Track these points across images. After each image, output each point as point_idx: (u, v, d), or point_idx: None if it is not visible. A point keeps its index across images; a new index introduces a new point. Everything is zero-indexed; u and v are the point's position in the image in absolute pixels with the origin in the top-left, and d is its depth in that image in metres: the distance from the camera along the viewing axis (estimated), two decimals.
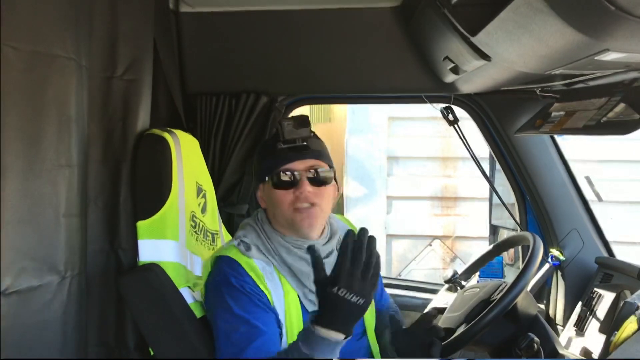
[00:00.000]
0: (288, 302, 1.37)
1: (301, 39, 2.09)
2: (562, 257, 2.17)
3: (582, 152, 4.38)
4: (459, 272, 1.98)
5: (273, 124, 2.13)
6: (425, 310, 1.89)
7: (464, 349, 1.53)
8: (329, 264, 1.43)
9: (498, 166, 2.32)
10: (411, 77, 2.07)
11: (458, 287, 1.93)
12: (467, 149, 2.25)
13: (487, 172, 2.40)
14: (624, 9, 0.86)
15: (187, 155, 1.62)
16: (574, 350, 1.83)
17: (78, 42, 1.26)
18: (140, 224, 1.49)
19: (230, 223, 2.12)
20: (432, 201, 5.25)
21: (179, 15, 2.07)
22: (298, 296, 1.38)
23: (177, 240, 1.52)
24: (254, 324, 1.30)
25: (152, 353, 1.47)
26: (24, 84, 1.12)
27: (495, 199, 2.37)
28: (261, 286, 1.34)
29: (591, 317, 1.89)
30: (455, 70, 1.72)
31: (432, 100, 2.22)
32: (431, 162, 5.22)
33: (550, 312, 2.22)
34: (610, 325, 1.66)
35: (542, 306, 2.22)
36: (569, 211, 2.18)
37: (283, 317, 1.36)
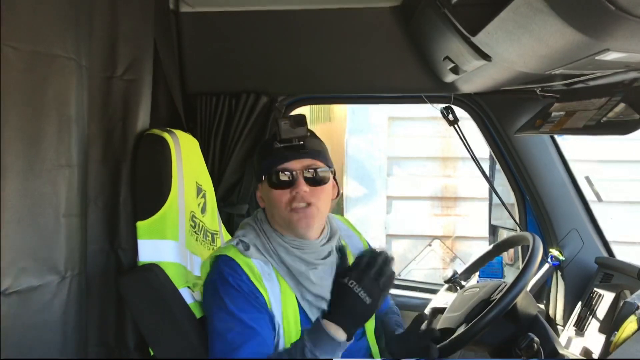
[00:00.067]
0: (285, 302, 1.37)
1: (301, 39, 2.09)
2: (562, 257, 2.17)
3: (582, 152, 4.38)
4: (459, 272, 1.98)
5: (273, 124, 2.13)
6: (425, 310, 1.89)
7: (464, 349, 1.53)
8: (328, 265, 1.43)
9: (498, 166, 2.32)
10: (411, 77, 2.07)
11: (458, 287, 1.93)
12: (467, 149, 2.25)
13: (487, 172, 2.40)
14: (624, 9, 0.86)
15: (187, 155, 1.62)
16: (574, 350, 1.83)
17: (78, 42, 1.26)
18: (140, 224, 1.49)
19: (230, 223, 2.12)
20: (432, 201, 5.24)
21: (179, 15, 2.07)
22: (296, 297, 1.38)
23: (177, 240, 1.52)
24: (249, 324, 1.30)
25: (152, 353, 1.47)
26: (24, 84, 1.13)
27: (495, 199, 2.37)
28: (258, 286, 1.34)
29: (591, 317, 1.89)
30: (455, 70, 1.72)
31: (432, 100, 2.22)
32: (431, 162, 5.22)
33: (550, 312, 2.22)
34: (610, 325, 1.66)
35: (542, 306, 2.22)
36: (569, 211, 2.18)
37: (280, 317, 1.36)
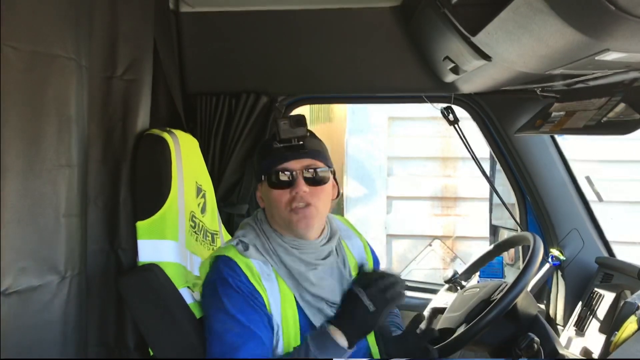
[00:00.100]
0: (284, 303, 1.37)
1: (301, 39, 2.09)
2: (562, 257, 2.17)
3: (582, 152, 4.38)
4: (459, 272, 1.98)
5: (273, 124, 2.13)
6: (425, 311, 1.89)
7: (464, 349, 1.53)
8: (327, 265, 1.43)
9: (498, 166, 2.32)
10: (411, 77, 2.07)
11: (458, 287, 1.93)
12: (467, 149, 2.25)
13: (487, 172, 2.40)
14: (624, 9, 0.86)
15: (186, 156, 1.62)
16: (574, 350, 1.83)
17: (78, 42, 1.26)
18: (140, 224, 1.48)
19: (230, 223, 2.12)
20: (432, 201, 5.24)
21: (179, 15, 2.07)
22: (295, 297, 1.38)
23: (177, 240, 1.52)
24: (247, 326, 1.30)
25: (151, 353, 1.47)
26: (24, 84, 1.12)
27: (496, 199, 2.37)
28: (258, 287, 1.34)
29: (591, 317, 1.89)
30: (456, 70, 1.72)
31: (433, 100, 2.22)
32: (431, 162, 5.22)
33: (551, 312, 2.22)
34: (611, 325, 1.66)
35: (542, 306, 2.22)
36: (569, 211, 2.18)
37: (279, 318, 1.36)
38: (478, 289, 1.70)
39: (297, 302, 1.38)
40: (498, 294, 1.58)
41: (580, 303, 2.02)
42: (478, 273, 2.09)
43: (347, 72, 2.10)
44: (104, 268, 1.49)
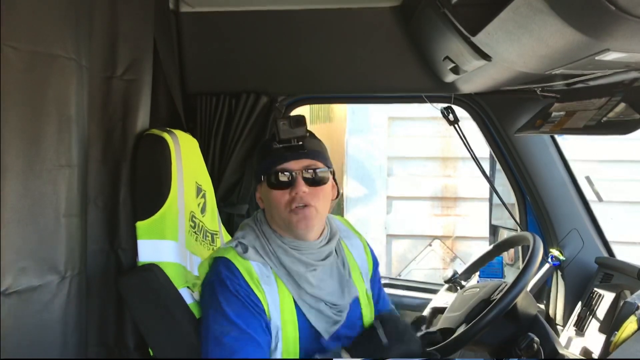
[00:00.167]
0: (283, 305, 1.36)
1: (301, 39, 2.09)
2: (562, 257, 2.17)
3: (582, 152, 4.38)
4: (459, 272, 1.99)
5: (273, 125, 2.13)
6: (425, 311, 1.89)
7: (464, 349, 1.53)
8: (327, 266, 1.43)
9: (498, 166, 2.32)
10: (411, 77, 2.07)
11: (458, 287, 1.94)
12: (467, 149, 2.25)
13: (487, 172, 2.40)
14: (624, 9, 0.86)
15: (186, 156, 1.61)
16: (574, 350, 1.83)
17: (78, 42, 1.26)
18: (140, 224, 1.48)
19: (230, 223, 2.12)
20: (432, 201, 5.25)
21: (179, 15, 2.07)
22: (293, 298, 1.38)
23: (177, 240, 1.52)
24: (245, 330, 1.30)
25: (151, 353, 1.47)
26: (24, 84, 1.12)
27: (495, 199, 2.37)
28: (256, 290, 1.34)
29: (591, 317, 1.89)
30: (456, 70, 1.72)
31: (433, 100, 2.22)
32: (431, 162, 5.22)
33: (550, 312, 2.22)
34: (610, 325, 1.66)
35: (542, 306, 2.22)
36: (569, 211, 2.18)
37: (279, 320, 1.35)
38: (478, 289, 1.70)
39: (295, 303, 1.38)
40: (498, 294, 1.58)
41: (580, 303, 2.02)
42: (478, 273, 2.10)
43: (347, 72, 2.10)
44: (104, 268, 1.49)
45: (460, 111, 2.25)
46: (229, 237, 1.87)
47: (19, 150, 1.11)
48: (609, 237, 2.20)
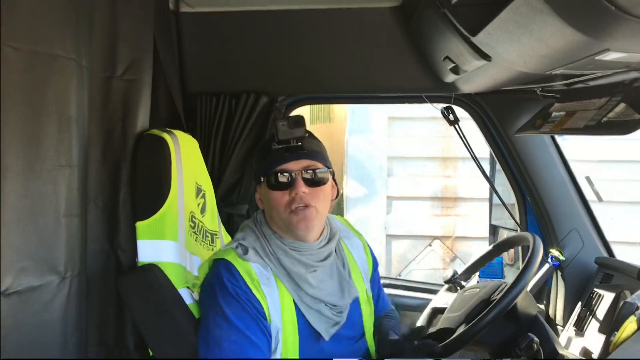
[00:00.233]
0: (283, 306, 1.36)
1: (301, 39, 2.09)
2: (562, 257, 2.17)
3: (582, 152, 4.38)
4: (459, 272, 1.98)
5: (272, 125, 2.13)
6: (425, 311, 1.89)
7: (464, 349, 1.53)
8: (328, 267, 1.43)
9: (498, 166, 2.32)
10: (411, 77, 2.07)
11: (458, 287, 1.94)
12: (467, 149, 2.25)
13: (487, 172, 2.40)
14: (624, 9, 0.86)
15: (186, 156, 1.61)
16: (574, 350, 1.83)
17: (78, 42, 1.26)
18: (140, 225, 1.48)
19: (230, 223, 2.12)
20: (432, 201, 5.25)
21: (179, 15, 2.07)
22: (293, 299, 1.38)
23: (177, 240, 1.52)
24: (245, 333, 1.30)
25: (151, 353, 1.47)
26: (24, 84, 1.12)
27: (495, 199, 2.37)
28: (256, 293, 1.33)
29: (591, 317, 1.89)
30: (456, 70, 1.72)
31: (433, 100, 2.22)
32: (431, 162, 5.22)
33: (550, 312, 2.22)
34: (610, 325, 1.66)
35: (542, 306, 2.22)
36: (569, 211, 2.18)
37: (279, 322, 1.35)
38: (478, 289, 1.70)
39: (295, 304, 1.38)
40: (498, 294, 1.58)
41: (579, 303, 2.02)
42: (478, 273, 2.10)
43: (347, 72, 2.10)
44: (103, 268, 1.49)
45: (460, 111, 2.25)
46: (229, 238, 1.87)
47: (19, 150, 1.11)
48: (609, 237, 2.20)
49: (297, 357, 1.36)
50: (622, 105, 1.50)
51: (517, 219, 2.30)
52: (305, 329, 1.37)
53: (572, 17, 0.98)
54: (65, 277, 1.22)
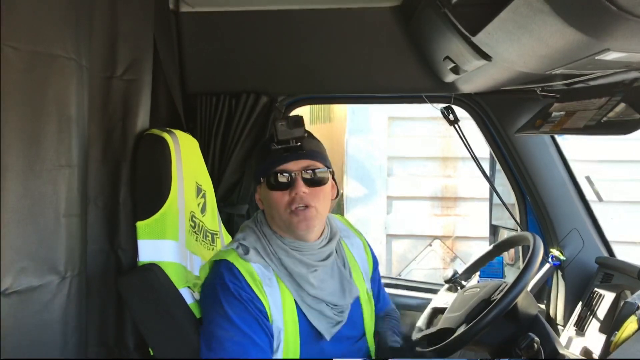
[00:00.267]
0: (285, 306, 1.36)
1: (301, 39, 2.09)
2: (562, 257, 2.17)
3: (582, 152, 4.38)
4: (459, 272, 1.98)
5: (272, 125, 2.13)
6: (425, 311, 1.89)
7: (464, 349, 1.53)
8: (328, 266, 1.43)
9: (498, 166, 2.32)
10: (411, 77, 2.07)
11: (458, 287, 1.93)
12: (467, 149, 2.25)
13: (487, 172, 2.40)
14: (624, 9, 0.86)
15: (186, 156, 1.62)
16: (574, 350, 1.83)
17: (78, 42, 1.26)
18: (140, 224, 1.48)
19: (230, 223, 2.12)
20: (432, 201, 5.25)
21: (179, 15, 2.07)
22: (294, 299, 1.38)
23: (177, 240, 1.52)
24: (248, 333, 1.30)
25: (151, 353, 1.47)
26: (24, 84, 1.12)
27: (496, 199, 2.37)
28: (258, 293, 1.34)
29: (591, 317, 1.89)
30: (456, 70, 1.72)
31: (433, 100, 2.22)
32: (431, 162, 5.22)
33: (551, 312, 2.22)
34: (611, 325, 1.66)
35: (543, 306, 2.22)
36: (569, 211, 2.18)
37: (281, 322, 1.35)
38: (478, 289, 1.70)
39: (297, 304, 1.38)
40: (498, 294, 1.58)
41: (580, 303, 2.02)
42: (478, 273, 2.09)
43: (347, 72, 2.10)
44: (104, 268, 1.49)
45: (460, 111, 2.25)
46: (229, 237, 1.87)
47: (19, 150, 1.11)
48: (609, 237, 2.20)
49: (298, 357, 1.36)
50: (622, 105, 1.50)
51: (517, 219, 2.30)
52: (307, 329, 1.37)
53: (572, 17, 0.98)
54: (65, 277, 1.22)
